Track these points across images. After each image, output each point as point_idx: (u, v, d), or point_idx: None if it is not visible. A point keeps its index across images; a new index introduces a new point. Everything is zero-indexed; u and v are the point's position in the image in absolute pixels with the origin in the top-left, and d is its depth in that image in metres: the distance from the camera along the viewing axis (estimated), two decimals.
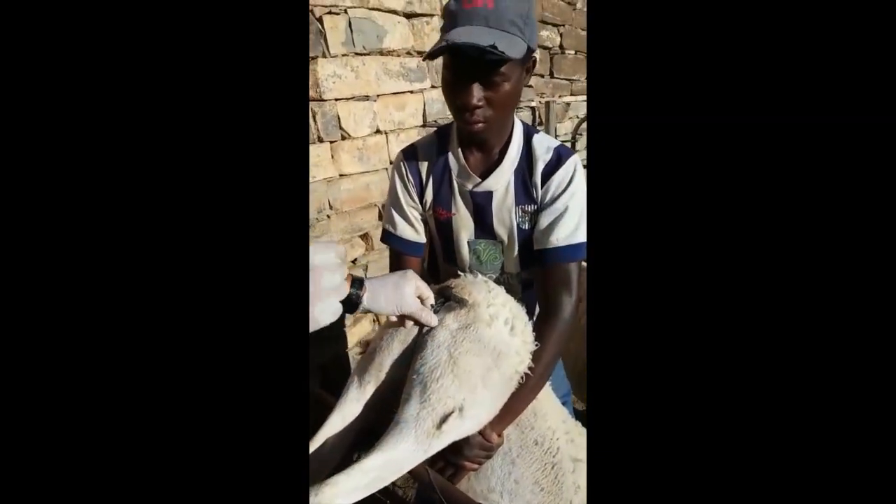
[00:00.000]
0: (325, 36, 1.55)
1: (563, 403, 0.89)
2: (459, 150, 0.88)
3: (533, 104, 2.69)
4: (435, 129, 0.96)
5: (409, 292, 0.64)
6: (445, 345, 0.64)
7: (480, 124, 0.77)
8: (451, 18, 0.73)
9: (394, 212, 0.94)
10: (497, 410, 0.68)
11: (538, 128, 2.70)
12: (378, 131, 1.78)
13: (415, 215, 0.93)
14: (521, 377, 0.69)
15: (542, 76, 2.77)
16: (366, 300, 0.59)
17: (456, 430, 0.62)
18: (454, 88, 0.75)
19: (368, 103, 1.72)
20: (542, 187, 0.85)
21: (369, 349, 0.73)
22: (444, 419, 0.59)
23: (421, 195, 0.92)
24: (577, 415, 0.93)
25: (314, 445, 0.66)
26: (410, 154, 0.93)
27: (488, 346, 0.64)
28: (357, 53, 1.63)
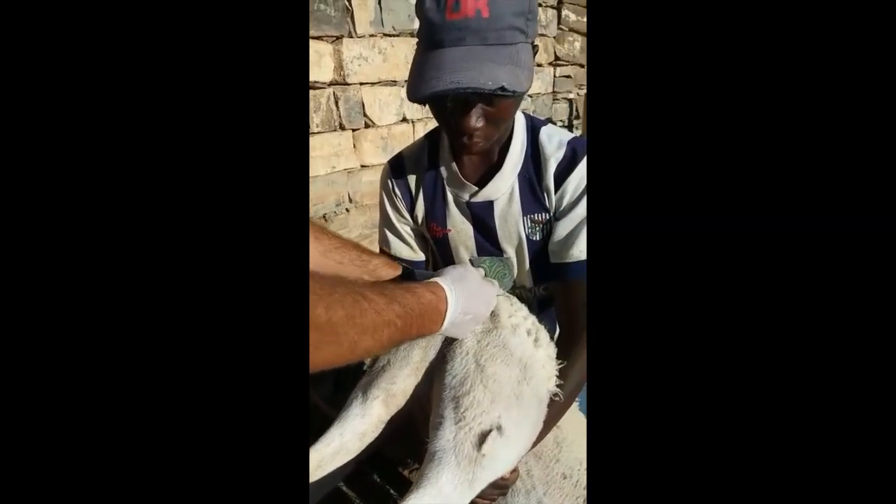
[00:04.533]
0: (352, 14, 1.45)
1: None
2: (451, 156, 0.77)
3: (571, 96, 2.53)
4: (426, 134, 0.86)
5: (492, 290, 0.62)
6: (472, 352, 0.58)
7: (482, 144, 0.66)
8: (432, 33, 0.58)
9: (386, 231, 0.85)
10: (534, 438, 0.60)
11: (566, 122, 2.52)
12: (404, 119, 1.69)
13: (408, 231, 0.84)
14: (556, 397, 0.61)
15: (582, 66, 2.60)
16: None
17: (499, 456, 0.53)
18: (446, 111, 0.63)
19: (396, 89, 1.63)
20: (555, 191, 0.72)
21: (378, 363, 0.63)
22: (482, 439, 0.51)
23: (411, 210, 0.82)
24: None
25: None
26: (397, 165, 0.82)
27: (514, 355, 0.58)
28: (386, 34, 1.54)
